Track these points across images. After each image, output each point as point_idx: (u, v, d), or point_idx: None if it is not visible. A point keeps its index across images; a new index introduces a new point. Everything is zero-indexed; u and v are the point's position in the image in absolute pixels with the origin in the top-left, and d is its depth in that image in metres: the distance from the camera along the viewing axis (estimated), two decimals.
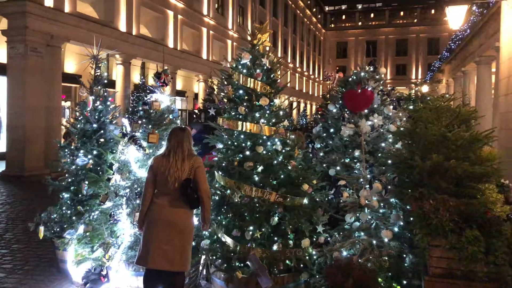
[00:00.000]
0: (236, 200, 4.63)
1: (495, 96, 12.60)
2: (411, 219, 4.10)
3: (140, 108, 5.72)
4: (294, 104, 49.58)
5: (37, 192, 11.53)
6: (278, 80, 5.28)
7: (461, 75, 20.93)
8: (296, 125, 28.07)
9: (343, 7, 79.28)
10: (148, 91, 6.28)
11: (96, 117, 6.24)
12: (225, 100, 5.33)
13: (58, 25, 15.97)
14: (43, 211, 6.02)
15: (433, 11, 65.80)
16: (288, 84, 45.48)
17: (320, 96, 50.15)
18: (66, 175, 6.14)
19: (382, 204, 4.41)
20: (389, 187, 4.41)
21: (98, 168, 5.96)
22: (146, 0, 21.84)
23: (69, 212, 5.79)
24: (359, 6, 77.40)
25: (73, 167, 6.05)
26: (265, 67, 5.14)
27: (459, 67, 21.90)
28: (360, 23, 68.64)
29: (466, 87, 18.90)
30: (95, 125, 6.19)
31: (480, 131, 4.26)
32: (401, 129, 4.96)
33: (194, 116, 14.58)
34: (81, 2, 18.28)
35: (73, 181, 6.01)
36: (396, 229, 4.37)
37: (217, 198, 4.90)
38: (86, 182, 5.71)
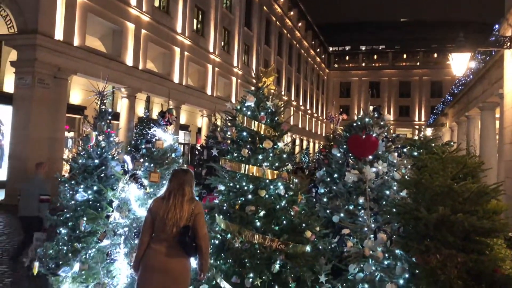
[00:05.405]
0: (237, 246, 4.50)
1: (500, 143, 12.54)
2: (417, 271, 3.97)
3: (143, 146, 5.69)
4: (297, 142, 49.69)
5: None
6: (282, 123, 5.26)
7: (465, 120, 20.97)
8: (299, 163, 28.01)
9: (347, 48, 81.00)
10: (152, 126, 6.27)
11: (98, 152, 6.21)
12: (228, 141, 5.29)
13: (67, 58, 16.21)
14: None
15: (435, 55, 67.01)
16: (291, 122, 45.79)
17: (324, 135, 50.30)
18: (65, 210, 6.05)
19: (387, 256, 4.28)
20: (394, 237, 4.29)
21: (98, 205, 5.87)
22: (154, 36, 22.25)
23: (65, 248, 5.65)
24: (363, 48, 79.04)
25: (72, 202, 5.97)
26: (269, 110, 5.14)
27: (462, 111, 21.97)
28: (363, 64, 69.66)
29: (471, 133, 18.88)
30: (96, 161, 6.14)
31: (486, 182, 4.18)
32: (406, 177, 4.88)
33: (197, 152, 14.55)
34: (90, 36, 18.63)
35: (72, 216, 5.90)
36: (401, 281, 4.21)
37: (217, 242, 4.77)
38: (85, 218, 5.60)
